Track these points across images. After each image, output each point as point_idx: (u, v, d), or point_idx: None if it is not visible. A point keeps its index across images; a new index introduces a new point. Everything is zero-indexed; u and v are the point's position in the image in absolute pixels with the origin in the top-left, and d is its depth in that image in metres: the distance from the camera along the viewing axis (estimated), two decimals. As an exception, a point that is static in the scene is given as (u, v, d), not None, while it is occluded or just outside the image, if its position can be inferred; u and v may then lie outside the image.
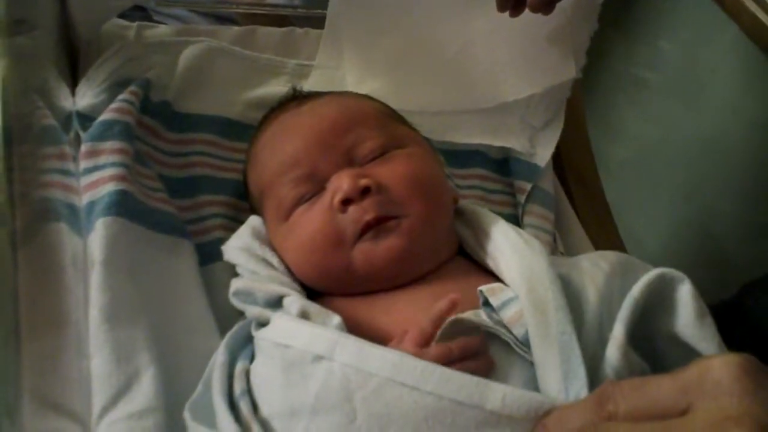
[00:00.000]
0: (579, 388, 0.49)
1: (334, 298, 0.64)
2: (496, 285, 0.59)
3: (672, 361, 0.55)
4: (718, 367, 0.38)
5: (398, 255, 0.63)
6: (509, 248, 0.62)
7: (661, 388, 0.39)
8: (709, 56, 1.27)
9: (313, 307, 0.59)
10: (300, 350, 0.53)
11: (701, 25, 1.27)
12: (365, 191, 0.63)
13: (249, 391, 0.57)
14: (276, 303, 0.62)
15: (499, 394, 0.46)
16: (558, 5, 0.78)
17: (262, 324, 0.61)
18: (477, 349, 0.53)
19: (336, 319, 0.58)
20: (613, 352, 0.52)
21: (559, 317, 0.53)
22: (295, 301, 0.60)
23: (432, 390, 0.47)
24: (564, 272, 0.59)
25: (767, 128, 1.18)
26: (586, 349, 0.52)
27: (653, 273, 0.57)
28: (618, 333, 0.52)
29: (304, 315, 0.58)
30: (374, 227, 0.63)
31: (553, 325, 0.52)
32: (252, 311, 0.63)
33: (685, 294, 0.55)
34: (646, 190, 1.39)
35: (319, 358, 0.51)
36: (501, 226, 0.67)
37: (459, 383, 0.47)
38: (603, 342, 0.53)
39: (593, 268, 0.60)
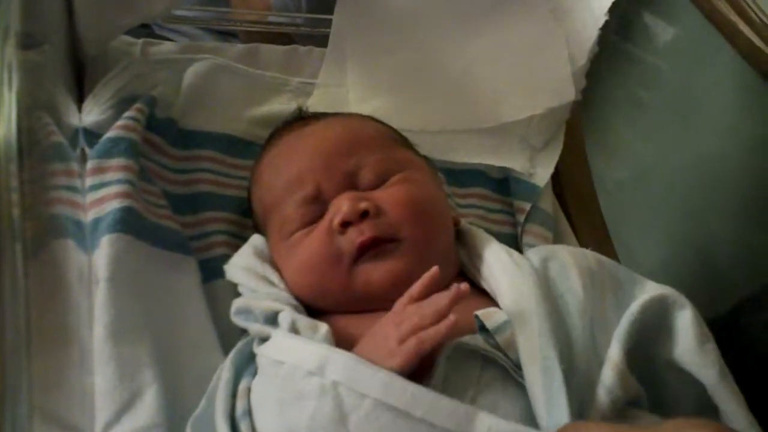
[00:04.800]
0: (560, 415, 0.49)
1: (333, 316, 0.65)
2: (492, 309, 0.59)
3: (671, 387, 0.56)
4: None
5: (397, 276, 0.63)
6: (500, 270, 0.63)
7: None
8: (706, 78, 1.28)
9: (302, 321, 0.60)
10: (292, 366, 0.54)
11: (698, 47, 1.28)
12: (364, 214, 0.64)
13: (250, 411, 0.57)
14: (274, 319, 0.62)
15: (485, 425, 0.47)
16: (558, 29, 0.79)
17: (265, 340, 0.62)
18: (445, 309, 0.52)
19: (323, 328, 0.58)
20: (609, 373, 0.52)
21: (542, 342, 0.53)
22: (286, 316, 0.60)
23: (422, 416, 0.48)
24: (553, 287, 0.59)
25: (763, 149, 1.19)
26: (574, 371, 0.52)
27: (655, 293, 0.57)
28: (614, 353, 0.53)
29: (294, 329, 0.59)
30: (373, 249, 0.63)
31: (537, 350, 0.53)
32: (253, 328, 0.63)
33: (685, 319, 0.56)
34: (644, 210, 1.40)
35: (310, 374, 0.52)
36: (493, 247, 0.67)
37: (448, 411, 0.48)
38: (599, 360, 0.53)
39: (583, 280, 0.60)
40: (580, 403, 0.50)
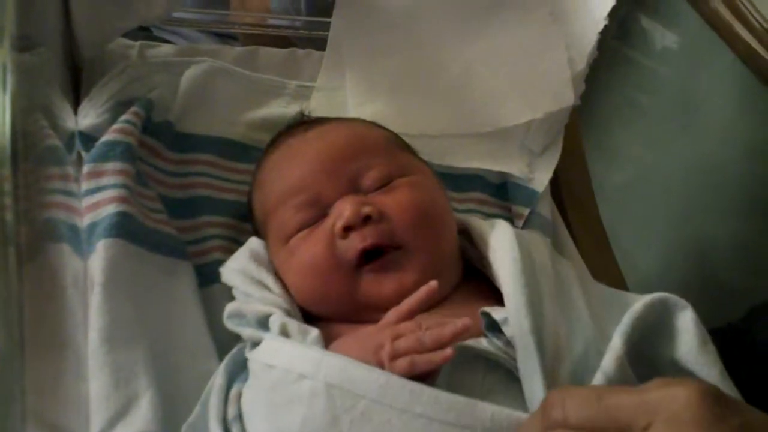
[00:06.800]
0: (536, 391, 0.51)
1: (328, 323, 0.64)
2: (498, 307, 0.59)
3: None
4: (682, 396, 0.38)
5: (406, 289, 0.61)
6: (501, 256, 0.63)
7: (622, 403, 0.39)
8: (705, 82, 1.28)
9: (293, 324, 0.59)
10: (283, 370, 0.54)
11: (697, 50, 1.28)
12: (367, 219, 0.63)
13: (240, 416, 0.57)
14: (266, 323, 0.62)
15: (487, 414, 0.47)
16: (557, 33, 0.79)
17: (257, 345, 0.61)
18: (446, 341, 0.52)
19: (313, 332, 0.58)
20: (609, 362, 0.52)
21: (519, 312, 0.55)
22: (276, 319, 0.60)
23: (422, 412, 0.48)
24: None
25: (762, 152, 1.19)
26: (569, 353, 0.53)
27: (656, 294, 0.58)
28: (616, 344, 0.53)
29: (284, 332, 0.59)
30: (378, 259, 0.63)
31: (515, 317, 0.55)
32: (246, 333, 0.63)
33: (687, 320, 0.56)
34: (643, 214, 1.40)
35: (301, 377, 0.52)
36: (496, 236, 0.66)
37: (448, 404, 0.48)
38: (599, 353, 0.54)
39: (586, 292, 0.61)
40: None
